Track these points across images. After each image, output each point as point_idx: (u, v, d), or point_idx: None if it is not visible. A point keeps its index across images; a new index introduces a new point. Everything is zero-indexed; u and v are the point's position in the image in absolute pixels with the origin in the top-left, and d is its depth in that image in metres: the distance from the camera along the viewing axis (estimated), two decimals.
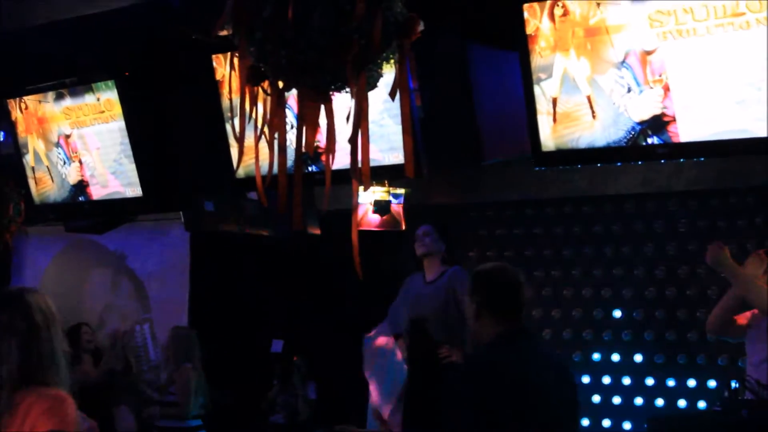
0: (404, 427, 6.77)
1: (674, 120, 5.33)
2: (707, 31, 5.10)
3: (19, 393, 3.46)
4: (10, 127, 8.21)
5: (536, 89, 5.73)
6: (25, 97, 7.98)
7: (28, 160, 8.23)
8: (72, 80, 7.68)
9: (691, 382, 6.89)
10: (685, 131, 5.30)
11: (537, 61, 5.66)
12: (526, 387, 3.82)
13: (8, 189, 8.56)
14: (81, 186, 8.04)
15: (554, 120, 5.69)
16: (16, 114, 8.10)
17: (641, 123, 5.43)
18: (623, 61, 5.40)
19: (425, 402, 6.54)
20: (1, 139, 8.79)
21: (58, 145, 7.98)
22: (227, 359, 8.69)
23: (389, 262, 7.26)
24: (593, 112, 5.56)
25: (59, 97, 7.81)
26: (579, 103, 5.59)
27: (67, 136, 7.91)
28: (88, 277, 10.48)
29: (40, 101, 7.88)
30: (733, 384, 5.21)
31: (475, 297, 4.02)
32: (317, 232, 7.80)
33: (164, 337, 9.39)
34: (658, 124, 5.37)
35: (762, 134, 5.07)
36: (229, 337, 8.92)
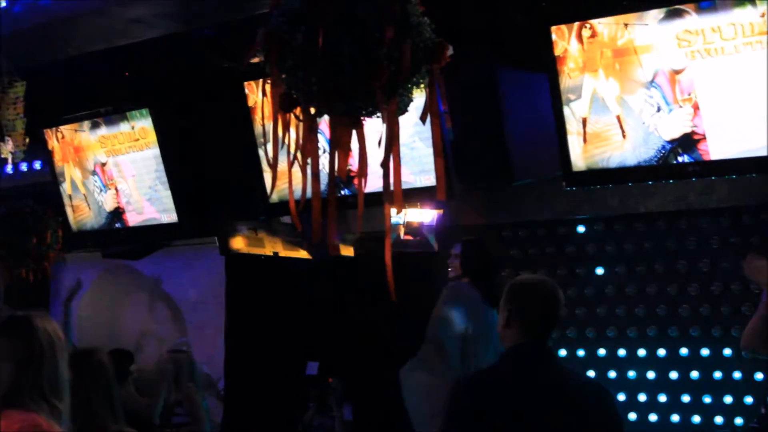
0: None
1: (704, 138, 5.33)
2: (735, 49, 5.11)
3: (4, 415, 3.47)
4: (48, 156, 8.29)
5: (566, 110, 5.74)
6: (61, 127, 8.07)
7: (65, 188, 8.31)
8: (107, 109, 7.76)
9: (728, 399, 6.85)
10: (715, 149, 5.30)
11: (566, 82, 5.67)
12: (513, 411, 3.73)
13: (46, 217, 8.67)
14: (117, 213, 8.11)
15: (584, 140, 5.70)
16: (52, 143, 8.19)
17: (671, 142, 5.43)
18: (652, 81, 5.41)
19: None
20: (39, 168, 8.88)
21: (94, 173, 8.05)
22: (263, 382, 8.70)
23: (421, 285, 7.25)
24: (623, 131, 5.56)
25: (95, 126, 7.90)
26: (609, 123, 5.60)
27: (103, 164, 7.98)
28: (125, 302, 10.52)
29: (76, 130, 7.96)
30: None
31: (507, 305, 3.92)
32: (351, 254, 7.82)
33: (201, 362, 9.44)
34: (689, 142, 5.37)
35: None
36: (265, 360, 8.94)
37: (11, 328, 3.66)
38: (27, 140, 6.63)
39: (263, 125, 6.72)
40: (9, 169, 7.32)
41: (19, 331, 3.61)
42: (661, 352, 7.16)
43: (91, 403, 4.59)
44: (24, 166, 8.74)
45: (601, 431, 3.86)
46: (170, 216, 7.72)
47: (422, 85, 3.25)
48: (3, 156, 6.59)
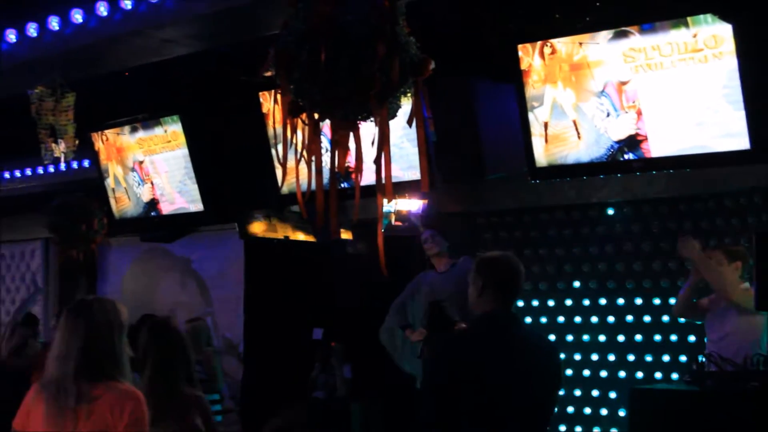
0: None
1: (646, 139, 5.33)
2: (672, 64, 5.11)
3: (94, 386, 3.45)
4: (94, 156, 8.27)
5: (530, 115, 5.73)
6: (105, 131, 8.05)
7: (109, 182, 8.30)
8: (144, 116, 7.74)
9: (666, 358, 6.86)
10: (655, 148, 5.30)
11: (530, 91, 5.66)
12: (488, 364, 3.69)
13: (93, 207, 8.66)
14: (153, 203, 8.09)
15: (546, 141, 5.70)
16: (98, 145, 8.17)
17: (619, 142, 5.43)
18: (602, 91, 5.40)
19: None
20: (87, 165, 8.86)
21: (133, 169, 8.04)
22: (276, 345, 8.70)
23: (408, 261, 7.25)
24: (578, 133, 5.56)
25: (134, 130, 7.88)
26: (566, 126, 5.59)
27: (141, 162, 7.96)
28: (160, 278, 10.51)
29: (118, 133, 7.95)
30: (700, 358, 5.20)
31: (480, 277, 3.85)
32: (349, 237, 7.81)
33: (224, 328, 9.44)
34: (633, 142, 5.37)
35: (717, 149, 5.07)
36: (277, 327, 8.94)
37: (76, 310, 3.62)
38: (77, 142, 6.62)
39: (275, 128, 6.71)
40: (62, 166, 7.29)
41: (84, 312, 3.58)
42: (611, 319, 7.18)
43: (169, 366, 4.51)
44: (74, 164, 8.70)
45: (548, 384, 3.90)
46: (197, 205, 7.70)
47: (409, 94, 3.25)
48: (57, 155, 6.57)
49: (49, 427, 3.46)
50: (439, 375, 3.73)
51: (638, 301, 7.05)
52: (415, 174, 6.12)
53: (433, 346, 3.92)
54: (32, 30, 6.11)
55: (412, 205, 7.18)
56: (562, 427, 7.16)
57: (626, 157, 5.42)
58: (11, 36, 6.22)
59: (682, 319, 6.44)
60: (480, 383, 3.64)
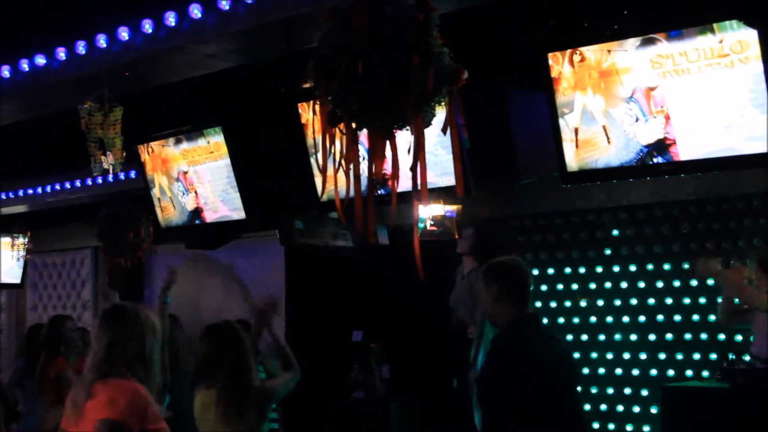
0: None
1: (675, 143, 5.31)
2: (699, 69, 5.09)
3: (97, 384, 3.50)
4: (140, 167, 8.36)
5: (561, 121, 5.73)
6: (151, 143, 8.13)
7: (155, 192, 8.37)
8: (188, 128, 7.81)
9: (696, 356, 6.81)
10: (684, 151, 5.28)
11: (560, 98, 5.66)
12: (547, 362, 3.76)
13: (140, 216, 8.73)
14: (197, 212, 8.16)
15: (576, 146, 5.69)
16: (144, 156, 8.25)
17: (648, 146, 5.42)
18: (631, 97, 5.40)
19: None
20: (134, 176, 8.95)
21: (178, 180, 8.11)
22: (317, 347, 8.74)
23: (444, 266, 7.25)
24: (608, 138, 5.55)
25: (178, 141, 7.96)
26: (596, 131, 5.59)
27: (185, 173, 8.04)
28: (204, 284, 10.57)
29: (163, 145, 8.03)
30: (730, 356, 5.17)
31: (495, 283, 3.88)
32: (386, 242, 7.83)
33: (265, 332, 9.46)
34: (662, 146, 5.36)
35: (745, 152, 5.04)
36: (318, 329, 8.98)
37: (109, 314, 3.69)
38: (124, 154, 6.68)
39: (314, 138, 6.76)
40: (110, 177, 7.37)
41: (113, 317, 3.65)
42: (642, 318, 7.14)
43: (242, 366, 4.75)
44: (122, 175, 8.80)
45: (577, 379, 4.09)
46: (239, 213, 7.76)
47: (443, 103, 3.25)
48: (105, 167, 6.65)
49: (69, 424, 3.55)
50: (505, 377, 3.73)
51: (668, 300, 7.02)
52: (449, 180, 6.13)
53: (495, 350, 3.89)
54: (81, 48, 6.20)
55: (447, 210, 7.18)
56: (596, 425, 7.14)
57: (655, 160, 5.41)
58: (61, 54, 6.32)
59: (729, 327, 6.36)
60: (539, 381, 3.66)
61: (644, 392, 7.05)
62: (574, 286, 7.51)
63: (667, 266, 7.03)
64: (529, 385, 3.65)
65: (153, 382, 3.62)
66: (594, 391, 7.30)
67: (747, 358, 5.20)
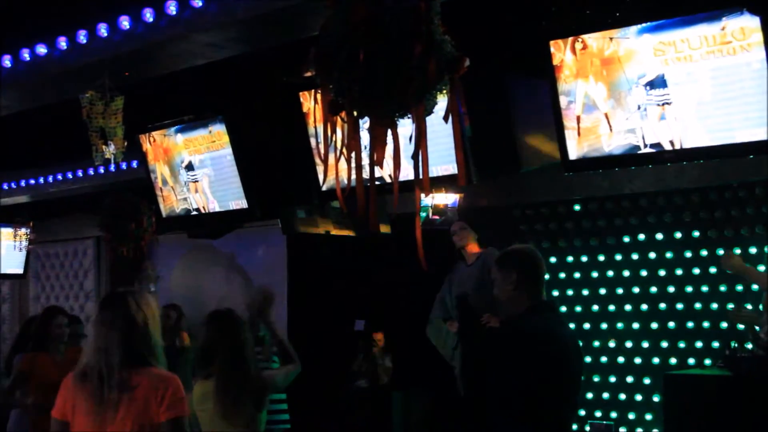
0: (465, 386, 6.78)
1: (677, 130, 5.29)
2: (701, 57, 5.06)
3: (133, 374, 3.51)
4: (142, 157, 8.34)
5: (563, 110, 5.71)
6: (153, 132, 8.11)
7: (157, 182, 8.36)
8: (189, 117, 7.79)
9: (698, 344, 6.82)
10: (686, 139, 5.26)
11: (562, 86, 5.64)
12: (560, 347, 3.78)
13: (142, 206, 8.74)
14: (198, 201, 8.15)
15: (578, 134, 5.67)
16: (146, 146, 8.24)
17: (650, 134, 5.40)
18: (633, 84, 5.37)
19: (476, 362, 6.56)
20: (135, 166, 8.94)
21: (179, 169, 8.10)
22: (319, 337, 8.75)
23: (446, 254, 7.25)
24: (610, 126, 5.53)
25: (179, 131, 7.94)
26: (598, 119, 5.57)
27: (187, 162, 8.02)
28: (206, 273, 10.59)
29: (164, 135, 8.01)
30: (733, 344, 5.17)
31: (514, 271, 3.88)
32: (388, 231, 7.83)
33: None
34: (664, 134, 5.33)
35: (747, 139, 5.03)
36: (320, 318, 8.99)
37: (110, 303, 3.69)
38: (126, 144, 6.67)
39: (315, 127, 6.74)
40: (112, 167, 7.35)
41: (118, 305, 3.63)
42: (644, 306, 7.14)
43: (240, 354, 4.73)
44: (123, 165, 8.79)
45: (582, 368, 4.06)
46: (241, 203, 7.75)
47: (444, 91, 3.24)
48: (107, 157, 6.64)
49: (91, 417, 3.52)
50: (522, 355, 3.72)
51: (671, 288, 7.02)
52: (448, 169, 6.11)
53: (514, 331, 3.91)
54: (82, 37, 6.18)
55: (448, 199, 7.18)
56: (598, 413, 7.14)
57: (657, 148, 5.39)
58: (62, 43, 6.30)
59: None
60: (553, 364, 3.67)
61: (647, 380, 7.06)
62: (577, 275, 7.51)
63: (669, 255, 7.02)
64: (543, 366, 3.66)
65: (162, 367, 3.63)
66: (596, 379, 7.30)
67: (749, 345, 5.18)
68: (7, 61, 6.60)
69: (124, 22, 5.95)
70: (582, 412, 7.27)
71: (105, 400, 3.49)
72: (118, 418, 3.48)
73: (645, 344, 7.09)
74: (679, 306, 6.95)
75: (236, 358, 4.71)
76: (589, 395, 7.30)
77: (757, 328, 5.47)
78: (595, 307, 7.39)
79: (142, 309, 3.62)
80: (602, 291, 7.37)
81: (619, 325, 7.24)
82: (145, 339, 3.59)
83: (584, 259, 7.49)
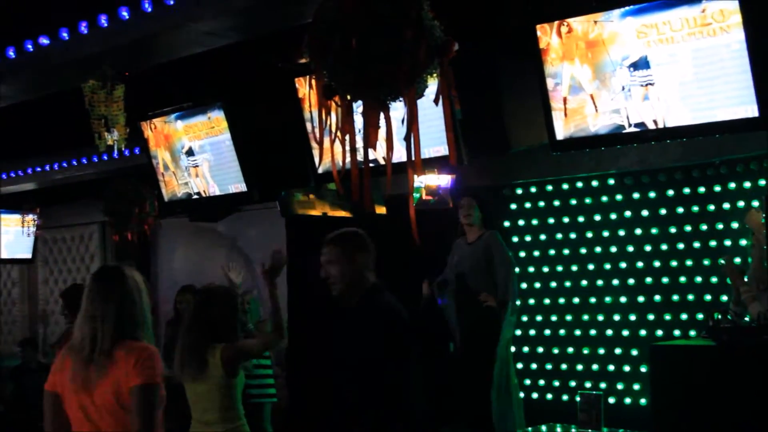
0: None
1: (660, 110, 5.30)
2: (682, 38, 5.08)
3: (116, 346, 3.50)
4: (144, 143, 8.34)
5: (549, 91, 5.71)
6: (154, 119, 8.11)
7: (159, 167, 8.36)
8: (189, 104, 7.79)
9: (684, 316, 6.84)
10: (669, 118, 5.28)
11: (549, 69, 5.65)
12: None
13: (145, 191, 8.76)
14: (199, 185, 8.16)
15: (565, 114, 5.69)
16: (147, 133, 8.23)
17: (634, 113, 5.41)
18: (617, 66, 5.38)
19: (473, 335, 6.68)
20: (137, 152, 8.94)
21: (180, 154, 8.10)
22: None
23: (439, 232, 7.26)
24: (596, 107, 5.54)
25: (180, 117, 7.94)
26: (584, 100, 5.58)
27: (187, 148, 8.03)
28: (207, 255, 10.58)
29: (165, 121, 8.01)
30: (716, 315, 5.19)
31: (360, 254, 4.32)
32: (383, 211, 7.84)
33: (268, 301, 9.47)
34: (648, 113, 5.35)
35: (728, 118, 5.05)
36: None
37: (106, 275, 3.69)
38: (128, 131, 6.69)
39: (310, 112, 6.74)
40: (115, 154, 7.37)
41: (114, 277, 3.63)
42: (631, 281, 7.16)
43: (224, 322, 4.94)
44: (126, 152, 8.80)
45: None
46: (240, 186, 7.76)
47: (435, 75, 3.25)
48: (109, 144, 6.65)
49: (76, 387, 3.51)
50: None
51: (656, 263, 7.03)
52: (440, 151, 6.12)
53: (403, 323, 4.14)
54: (83, 27, 6.19)
55: (441, 179, 7.19)
56: (588, 384, 7.18)
57: (641, 128, 5.40)
58: (64, 34, 6.31)
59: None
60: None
61: (634, 352, 7.09)
62: (566, 251, 7.53)
63: (654, 230, 7.04)
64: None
65: (150, 343, 3.62)
66: (586, 351, 7.34)
67: (730, 317, 5.21)
68: (11, 52, 6.60)
69: (124, 13, 5.96)
70: (572, 383, 7.30)
71: (88, 369, 3.49)
72: (101, 389, 3.47)
73: (632, 317, 7.12)
74: (665, 280, 6.97)
75: (197, 322, 4.91)
76: (579, 367, 7.34)
77: (745, 277, 5.50)
78: (584, 282, 7.41)
79: (137, 283, 3.63)
80: (590, 266, 7.39)
81: (607, 299, 7.27)
82: (139, 313, 3.59)
83: (573, 236, 7.50)
